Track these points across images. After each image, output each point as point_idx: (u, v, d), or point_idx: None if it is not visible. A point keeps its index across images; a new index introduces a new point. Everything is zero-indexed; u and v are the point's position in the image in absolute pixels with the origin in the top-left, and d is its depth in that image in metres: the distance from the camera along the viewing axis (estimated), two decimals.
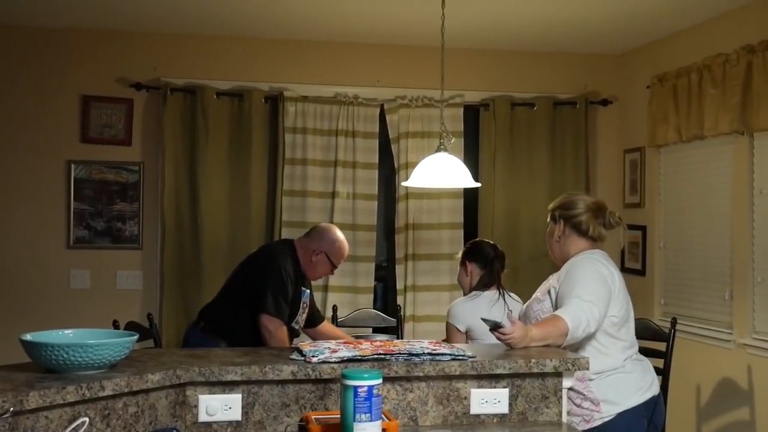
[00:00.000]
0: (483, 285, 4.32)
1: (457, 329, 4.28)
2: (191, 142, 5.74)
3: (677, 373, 5.17)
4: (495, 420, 2.81)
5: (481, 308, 4.15)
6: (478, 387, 2.80)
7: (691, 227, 5.58)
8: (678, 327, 4.68)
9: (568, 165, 6.17)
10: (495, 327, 3.04)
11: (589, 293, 3.19)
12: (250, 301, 4.05)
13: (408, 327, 5.88)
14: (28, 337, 2.46)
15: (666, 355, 4.62)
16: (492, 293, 4.28)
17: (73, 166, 5.71)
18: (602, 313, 3.19)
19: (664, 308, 5.80)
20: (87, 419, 2.24)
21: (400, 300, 5.91)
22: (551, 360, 2.85)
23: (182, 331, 4.88)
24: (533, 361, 2.83)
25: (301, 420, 2.68)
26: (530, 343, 3.02)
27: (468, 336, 4.21)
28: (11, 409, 2.14)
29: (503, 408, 2.81)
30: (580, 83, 6.32)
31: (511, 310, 4.00)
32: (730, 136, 5.04)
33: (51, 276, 5.66)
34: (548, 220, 3.52)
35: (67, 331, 2.61)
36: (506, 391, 2.81)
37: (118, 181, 5.79)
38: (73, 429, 2.22)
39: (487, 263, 4.34)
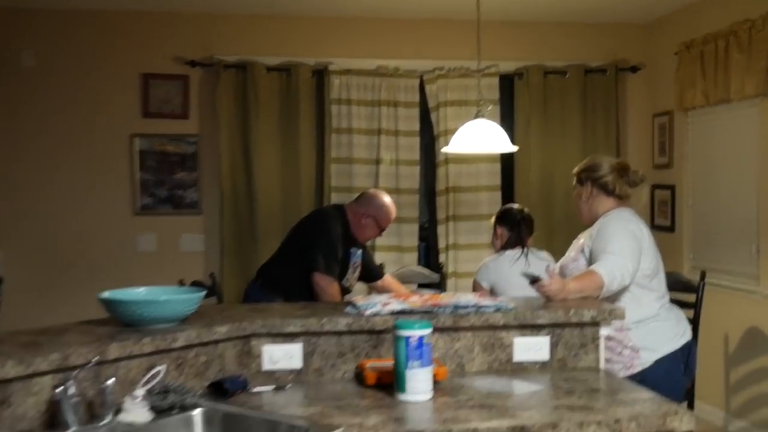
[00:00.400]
0: (509, 245, 4.35)
1: (482, 286, 4.36)
2: (244, 114, 5.78)
3: (706, 324, 5.12)
4: (537, 366, 2.82)
5: (504, 267, 4.21)
6: (521, 336, 2.82)
7: (719, 186, 5.52)
8: (707, 280, 4.64)
9: (599, 130, 6.12)
10: (534, 280, 3.04)
11: (622, 249, 3.19)
12: (303, 261, 4.08)
13: (450, 283, 5.91)
14: (106, 295, 2.51)
15: (696, 306, 4.58)
16: (515, 252, 4.30)
17: (136, 139, 5.78)
18: (635, 266, 3.19)
19: (693, 263, 5.75)
20: (164, 367, 2.29)
21: (442, 258, 5.94)
22: (589, 310, 2.85)
23: (242, 288, 4.94)
24: (572, 311, 2.83)
25: (356, 367, 2.72)
26: (568, 295, 3.02)
27: (492, 293, 4.22)
28: (96, 358, 2.19)
29: (544, 355, 2.83)
30: (609, 51, 6.24)
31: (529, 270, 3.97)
32: (755, 98, 4.96)
33: (120, 241, 5.76)
34: (574, 183, 3.51)
35: (140, 289, 2.66)
36: (547, 339, 2.82)
37: (177, 152, 5.85)
38: (150, 377, 2.26)
39: (514, 226, 4.38)
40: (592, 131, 6.10)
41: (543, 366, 2.83)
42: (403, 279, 5.06)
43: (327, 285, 3.98)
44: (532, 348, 2.81)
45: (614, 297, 3.19)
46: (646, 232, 3.36)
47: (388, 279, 4.66)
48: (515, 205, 4.66)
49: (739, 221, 5.27)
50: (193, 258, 5.80)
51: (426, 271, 5.44)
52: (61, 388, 2.11)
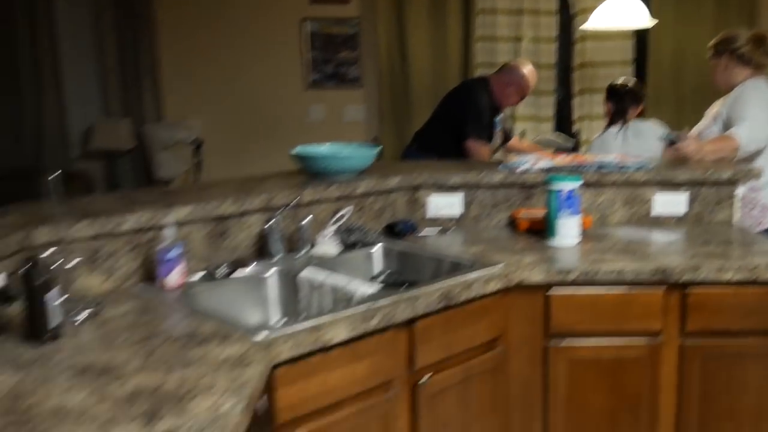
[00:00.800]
0: (614, 120, 4.05)
1: None
2: None
3: None
4: (674, 220, 2.75)
5: (608, 143, 3.95)
6: (660, 192, 2.73)
7: None
8: None
9: (732, 8, 5.62)
10: (672, 142, 2.91)
11: (756, 115, 2.98)
12: (455, 129, 4.05)
13: (583, 150, 5.74)
14: (298, 150, 2.60)
15: None
16: (616, 128, 4.01)
17: (306, 23, 5.80)
18: None
19: None
20: (351, 208, 2.37)
21: (576, 127, 5.76)
22: (726, 169, 2.72)
23: (398, 152, 4.98)
24: (710, 170, 2.71)
25: (509, 216, 2.73)
26: (705, 156, 2.88)
27: None
28: (297, 199, 2.29)
29: (681, 210, 2.74)
30: None
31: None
32: None
33: (293, 111, 5.88)
34: (711, 56, 3.26)
35: (326, 146, 2.73)
36: (685, 195, 2.72)
37: (341, 33, 5.84)
38: (338, 218, 2.35)
39: (618, 100, 4.07)
40: (725, 9, 5.62)
41: (679, 220, 2.74)
42: (541, 145, 4.95)
43: (479, 149, 3.94)
44: (670, 203, 2.73)
45: (749, 159, 3.01)
46: None
47: (515, 140, 4.56)
48: (620, 79, 4.34)
49: None
50: (355, 126, 5.88)
51: (561, 139, 5.30)
52: (269, 223, 2.23)
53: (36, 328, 1.65)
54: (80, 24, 5.83)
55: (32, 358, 1.56)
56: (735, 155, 2.93)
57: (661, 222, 2.74)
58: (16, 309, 1.71)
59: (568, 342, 2.21)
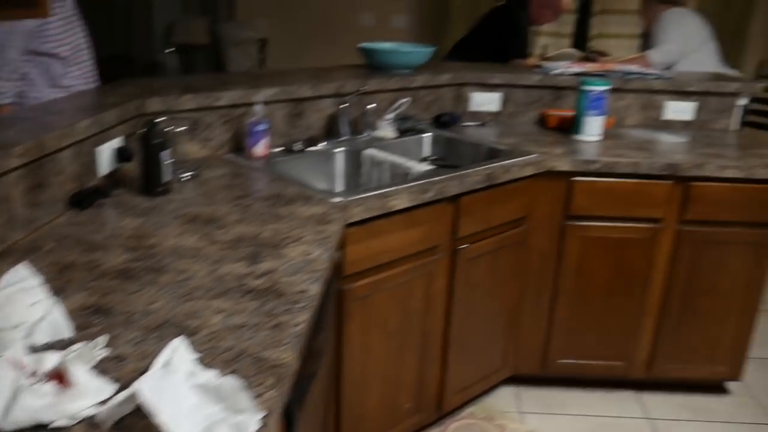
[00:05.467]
0: None
1: None
2: None
3: None
4: (681, 125, 2.66)
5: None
6: (672, 99, 2.63)
7: None
8: None
9: None
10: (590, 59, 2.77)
11: (669, 37, 3.27)
12: (497, 47, 3.81)
13: None
14: (365, 45, 2.51)
15: None
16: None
17: None
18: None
19: None
20: (408, 99, 2.32)
21: (592, 44, 5.51)
22: (733, 83, 2.61)
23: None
24: (719, 83, 2.60)
25: (539, 115, 2.65)
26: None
27: None
28: (365, 87, 2.24)
29: (689, 116, 2.65)
30: None
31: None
32: None
33: (346, 17, 5.68)
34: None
35: (388, 43, 2.64)
36: (694, 104, 2.62)
37: None
38: (398, 105, 2.30)
39: None
40: None
41: (686, 125, 2.66)
42: (561, 58, 4.75)
43: (522, 66, 3.75)
44: (680, 109, 2.64)
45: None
46: (694, 21, 3.38)
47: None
48: None
49: None
50: (400, 33, 5.66)
51: (579, 54, 5.08)
52: (343, 106, 2.18)
53: (151, 182, 1.66)
54: None
55: (150, 206, 1.58)
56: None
57: (670, 125, 2.66)
58: (132, 166, 1.72)
59: (583, 222, 2.20)
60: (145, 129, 1.63)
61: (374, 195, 1.68)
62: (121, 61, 5.24)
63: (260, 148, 1.98)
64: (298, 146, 2.09)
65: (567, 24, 5.50)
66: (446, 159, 2.35)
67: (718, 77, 2.76)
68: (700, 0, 5.29)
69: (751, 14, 5.47)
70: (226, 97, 1.98)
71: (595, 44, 5.47)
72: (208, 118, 1.99)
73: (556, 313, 2.30)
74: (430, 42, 5.41)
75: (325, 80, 2.24)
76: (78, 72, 2.36)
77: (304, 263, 1.28)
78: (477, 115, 2.64)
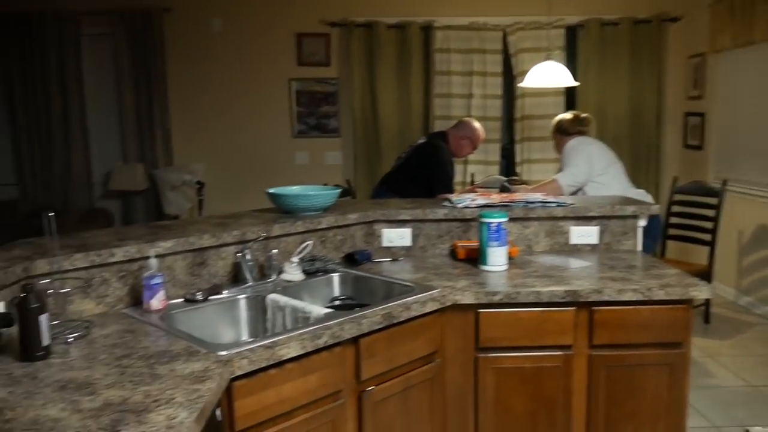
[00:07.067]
0: None
1: None
2: (370, 62, 5.69)
3: (726, 222, 4.84)
4: (588, 248, 2.74)
5: None
6: (576, 225, 2.73)
7: (743, 112, 5.09)
8: (728, 186, 4.35)
9: (644, 70, 5.70)
10: (505, 189, 2.90)
11: (576, 163, 3.58)
12: (422, 180, 3.91)
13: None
14: (271, 190, 2.57)
15: (717, 208, 4.33)
16: None
17: (293, 82, 5.81)
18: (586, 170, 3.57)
19: (717, 174, 5.37)
20: (312, 242, 2.34)
21: (519, 169, 5.78)
22: (630, 206, 2.73)
23: (370, 190, 4.96)
24: (617, 207, 2.71)
25: (451, 246, 2.71)
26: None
27: None
28: (263, 234, 2.26)
29: (594, 240, 2.73)
30: (654, 5, 5.75)
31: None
32: None
33: (281, 157, 5.87)
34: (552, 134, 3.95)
35: (295, 187, 2.71)
36: (597, 228, 2.72)
37: (322, 91, 5.86)
38: (302, 248, 2.32)
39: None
40: (638, 71, 5.70)
41: (593, 248, 2.74)
42: (488, 185, 4.95)
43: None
44: (584, 234, 2.73)
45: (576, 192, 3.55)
46: (596, 146, 3.64)
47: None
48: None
49: (758, 140, 4.87)
50: (334, 169, 5.87)
51: (505, 179, 5.29)
52: (241, 254, 2.19)
53: (29, 347, 1.60)
54: (104, 86, 5.82)
55: (24, 373, 1.51)
56: (560, 193, 3.44)
57: (578, 250, 2.73)
58: (15, 330, 1.66)
59: (494, 354, 2.18)
60: (22, 293, 1.60)
61: (261, 345, 1.65)
62: (56, 214, 5.24)
63: (156, 302, 1.95)
64: (199, 296, 2.07)
65: (493, 152, 5.78)
66: (356, 298, 2.35)
67: (620, 201, 2.89)
68: (615, 125, 5.68)
69: (662, 136, 5.86)
70: (120, 253, 1.97)
71: (521, 169, 5.72)
72: (104, 274, 1.96)
73: None
74: (364, 175, 5.70)
75: (228, 228, 2.26)
76: None
77: (166, 428, 1.22)
78: (389, 251, 2.68)
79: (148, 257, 1.97)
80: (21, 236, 2.33)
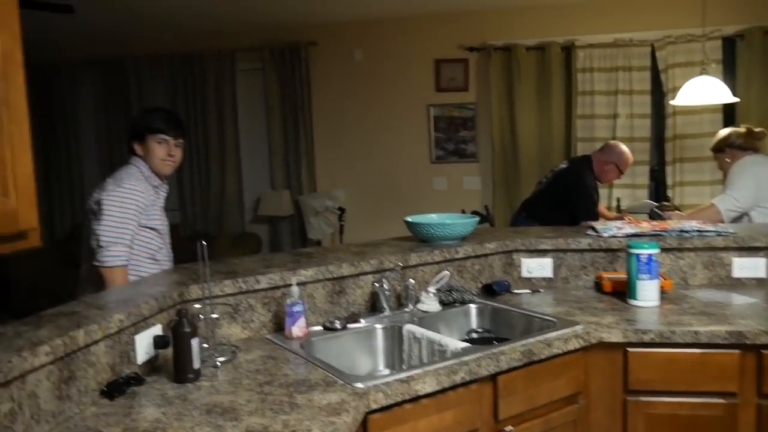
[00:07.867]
0: None
1: None
2: (509, 85, 5.59)
3: None
4: (753, 283, 2.46)
5: None
6: (739, 256, 2.47)
7: None
8: None
9: None
10: (657, 216, 2.64)
11: (741, 185, 3.15)
12: (565, 206, 3.78)
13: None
14: (409, 218, 2.57)
15: None
16: None
17: (431, 108, 5.85)
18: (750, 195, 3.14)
19: None
20: (448, 272, 2.30)
21: (670, 193, 5.38)
22: None
23: (508, 216, 4.85)
24: None
25: (595, 278, 2.56)
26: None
27: None
28: (401, 264, 2.26)
29: (762, 273, 2.45)
30: None
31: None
32: None
33: (420, 182, 5.91)
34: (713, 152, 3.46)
35: (433, 215, 2.69)
36: (764, 260, 2.44)
37: (460, 116, 5.84)
38: (440, 278, 2.29)
39: None
40: None
41: (759, 282, 2.46)
42: (636, 210, 4.65)
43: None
44: (749, 267, 2.46)
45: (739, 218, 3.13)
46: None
47: (601, 206, 4.25)
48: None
49: None
50: (472, 194, 5.81)
51: (655, 204, 4.95)
52: (379, 283, 2.20)
53: (182, 370, 1.70)
54: (255, 118, 6.20)
55: (176, 395, 1.60)
56: (719, 219, 3.02)
57: (742, 284, 2.47)
58: (170, 352, 1.77)
59: (645, 398, 2.01)
60: (177, 317, 1.70)
61: (397, 380, 1.63)
62: (210, 238, 5.61)
63: (297, 329, 2.00)
64: (337, 324, 2.10)
65: (641, 175, 5.43)
66: (494, 330, 2.27)
67: None
68: None
69: None
70: (265, 281, 2.05)
71: (672, 193, 5.33)
72: (249, 300, 2.05)
73: None
74: (503, 200, 5.59)
75: (366, 256, 2.29)
76: (165, 250, 2.52)
77: None
78: (529, 282, 2.58)
79: (290, 285, 2.03)
80: (181, 259, 2.51)
